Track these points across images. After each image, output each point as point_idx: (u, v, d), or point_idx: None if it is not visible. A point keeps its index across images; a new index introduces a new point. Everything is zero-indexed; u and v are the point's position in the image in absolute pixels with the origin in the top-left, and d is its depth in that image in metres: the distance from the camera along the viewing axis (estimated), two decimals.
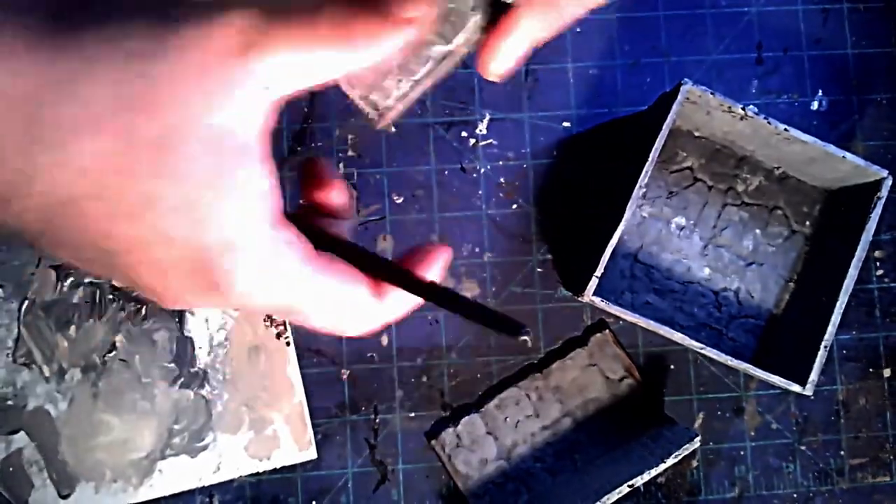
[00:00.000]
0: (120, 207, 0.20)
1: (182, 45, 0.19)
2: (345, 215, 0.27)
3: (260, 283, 0.22)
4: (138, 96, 0.19)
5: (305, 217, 0.26)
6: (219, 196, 0.20)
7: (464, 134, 0.53)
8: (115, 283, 0.50)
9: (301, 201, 0.27)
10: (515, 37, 0.26)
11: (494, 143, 0.53)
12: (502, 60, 0.26)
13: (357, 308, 0.25)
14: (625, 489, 0.44)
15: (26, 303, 0.50)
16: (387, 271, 0.25)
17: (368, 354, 0.51)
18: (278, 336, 0.51)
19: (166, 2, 0.20)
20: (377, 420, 0.51)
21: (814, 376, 0.45)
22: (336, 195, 0.27)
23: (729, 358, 0.45)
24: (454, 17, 0.26)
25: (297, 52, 0.20)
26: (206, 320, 0.51)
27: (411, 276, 0.25)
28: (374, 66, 0.25)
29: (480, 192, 0.53)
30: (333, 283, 0.24)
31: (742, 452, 0.52)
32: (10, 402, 0.49)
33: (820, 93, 0.54)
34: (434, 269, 0.26)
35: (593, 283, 0.45)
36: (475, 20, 0.27)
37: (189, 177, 0.20)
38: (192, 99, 0.19)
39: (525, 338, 0.24)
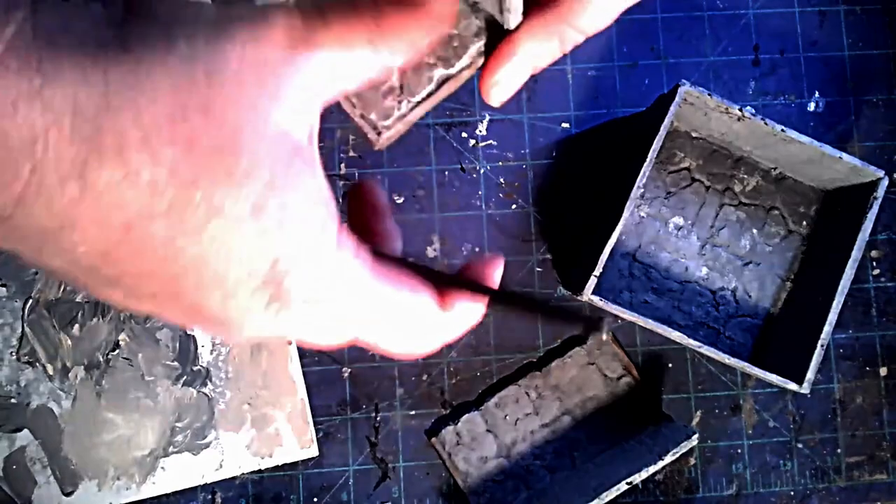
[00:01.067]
0: (184, 223, 0.18)
1: (235, 47, 0.19)
2: (394, 243, 0.26)
3: (326, 295, 0.21)
4: (199, 100, 0.18)
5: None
6: (282, 202, 0.19)
7: (464, 135, 0.53)
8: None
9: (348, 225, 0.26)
10: (516, 63, 0.26)
11: (494, 143, 0.53)
12: (504, 86, 0.26)
13: (424, 319, 0.23)
14: (623, 486, 0.44)
15: (30, 301, 0.50)
16: (448, 279, 0.24)
17: (369, 353, 0.52)
18: None
19: (217, 10, 0.20)
20: (378, 418, 0.51)
21: (811, 375, 0.45)
22: (389, 223, 0.25)
23: (726, 356, 0.46)
24: (456, 43, 0.27)
25: (337, 50, 0.20)
26: None
27: (474, 282, 0.24)
28: (377, 81, 0.25)
29: (480, 193, 0.53)
30: (398, 294, 0.22)
31: (739, 450, 0.52)
32: (13, 400, 0.50)
33: (816, 94, 0.55)
34: (492, 277, 0.25)
35: (592, 283, 0.45)
36: (477, 46, 0.27)
37: (252, 183, 0.19)
38: (250, 100, 0.19)
39: (604, 335, 0.22)
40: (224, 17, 0.19)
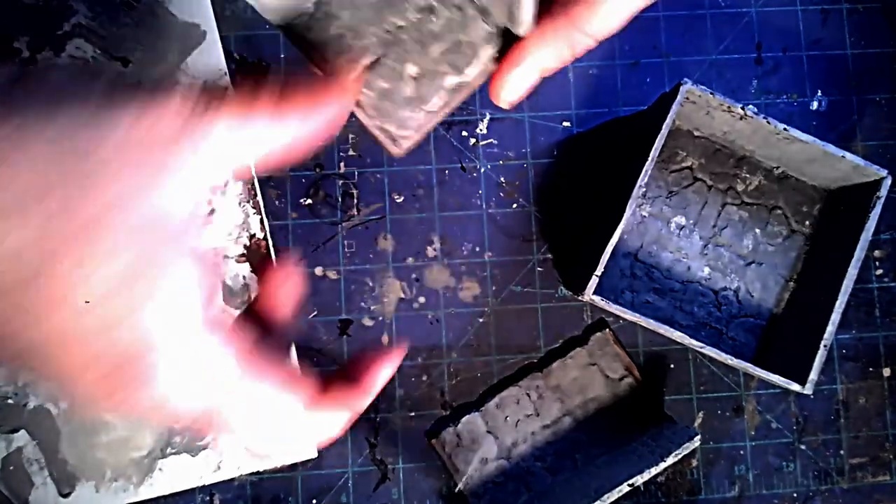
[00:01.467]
0: (50, 293, 0.18)
1: (121, 124, 0.18)
2: (287, 312, 0.26)
3: (182, 387, 0.20)
4: (76, 173, 0.18)
5: (252, 310, 0.25)
6: (144, 287, 0.19)
7: (464, 133, 0.53)
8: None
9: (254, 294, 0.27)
10: (525, 67, 0.26)
11: (495, 142, 0.53)
12: (513, 90, 0.27)
13: (289, 420, 0.23)
14: (625, 488, 0.44)
15: None
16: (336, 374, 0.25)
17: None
18: None
19: (104, 82, 0.19)
20: (377, 419, 0.51)
21: (814, 375, 0.45)
22: (286, 292, 0.26)
23: (729, 357, 0.45)
24: (467, 50, 0.27)
25: (236, 125, 0.20)
26: None
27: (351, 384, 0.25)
28: (386, 97, 0.25)
29: (481, 192, 0.53)
30: (264, 390, 0.22)
31: (742, 452, 0.52)
32: (10, 401, 0.49)
33: (819, 93, 0.54)
34: (378, 374, 0.26)
35: (593, 283, 0.45)
36: (488, 52, 0.27)
37: (114, 263, 0.18)
38: (129, 179, 0.18)
39: None
40: (117, 92, 0.19)
